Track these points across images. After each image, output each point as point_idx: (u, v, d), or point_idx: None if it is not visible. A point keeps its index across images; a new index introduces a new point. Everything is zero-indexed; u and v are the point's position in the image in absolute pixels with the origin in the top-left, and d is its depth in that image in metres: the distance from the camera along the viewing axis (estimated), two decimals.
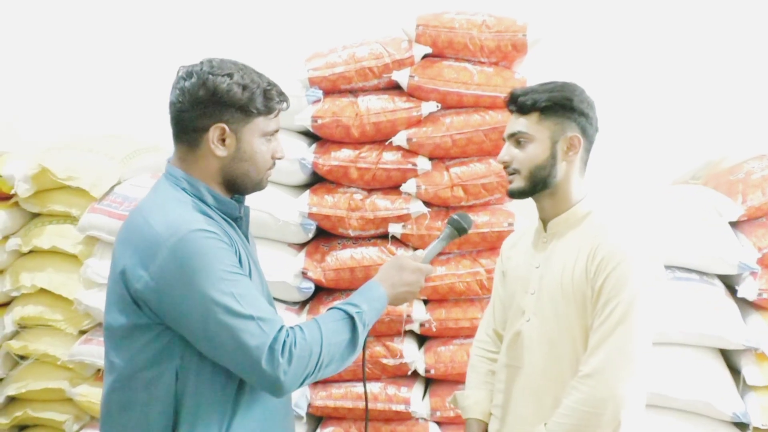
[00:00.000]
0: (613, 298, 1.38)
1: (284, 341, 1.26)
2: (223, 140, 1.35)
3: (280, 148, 1.44)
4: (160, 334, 1.29)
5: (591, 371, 1.37)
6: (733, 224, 2.40)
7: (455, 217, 1.61)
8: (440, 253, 1.60)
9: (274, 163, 1.44)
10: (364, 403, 2.25)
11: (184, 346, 1.29)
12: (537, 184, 1.49)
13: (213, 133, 1.34)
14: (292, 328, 1.30)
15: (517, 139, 1.50)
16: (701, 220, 2.35)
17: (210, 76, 1.32)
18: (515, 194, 1.52)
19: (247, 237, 1.47)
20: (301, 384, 1.29)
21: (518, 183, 1.50)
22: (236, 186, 1.40)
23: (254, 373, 1.25)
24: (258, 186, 1.43)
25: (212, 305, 1.23)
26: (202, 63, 1.36)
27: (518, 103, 1.49)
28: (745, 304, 2.33)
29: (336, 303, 1.41)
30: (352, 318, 1.36)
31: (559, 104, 1.47)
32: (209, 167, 1.37)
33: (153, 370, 1.30)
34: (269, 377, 1.24)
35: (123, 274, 1.29)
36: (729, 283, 2.37)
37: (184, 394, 1.30)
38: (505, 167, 1.53)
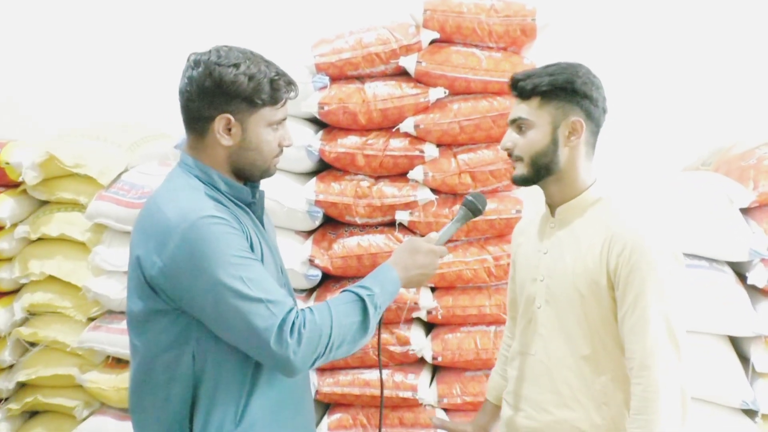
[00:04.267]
0: (643, 291, 1.35)
1: (293, 322, 1.28)
2: (229, 130, 1.37)
3: (288, 136, 1.45)
4: (177, 318, 1.33)
5: (641, 365, 1.35)
6: (744, 211, 2.37)
7: (470, 198, 1.58)
8: (449, 240, 1.59)
9: (281, 151, 1.45)
10: (372, 389, 2.30)
11: (200, 330, 1.32)
12: (539, 171, 1.46)
13: (218, 123, 1.36)
14: (302, 309, 1.32)
15: (518, 125, 1.47)
16: (711, 206, 2.33)
17: (216, 66, 1.34)
18: (519, 181, 1.49)
19: (262, 221, 1.49)
20: (313, 364, 1.31)
21: (521, 170, 1.47)
22: (244, 174, 1.42)
23: (265, 353, 1.28)
24: (266, 173, 1.45)
25: (222, 289, 1.26)
26: (210, 52, 1.37)
27: (518, 88, 1.46)
28: (755, 291, 2.32)
29: (349, 285, 1.43)
30: (363, 300, 1.37)
31: (560, 88, 1.43)
32: (217, 155, 1.39)
33: (171, 352, 1.34)
34: (279, 357, 1.27)
35: (138, 261, 1.33)
36: (739, 270, 2.35)
37: (202, 375, 1.34)
38: (509, 154, 1.50)
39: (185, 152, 1.43)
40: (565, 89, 1.43)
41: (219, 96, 1.35)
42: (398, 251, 1.50)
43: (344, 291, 1.40)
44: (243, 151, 1.39)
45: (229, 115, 1.36)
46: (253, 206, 1.46)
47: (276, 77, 1.38)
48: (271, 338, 1.26)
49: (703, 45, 2.99)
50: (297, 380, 1.44)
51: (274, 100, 1.38)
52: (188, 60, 1.39)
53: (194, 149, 1.41)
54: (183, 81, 1.38)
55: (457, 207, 2.30)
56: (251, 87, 1.35)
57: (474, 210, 1.59)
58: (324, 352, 1.32)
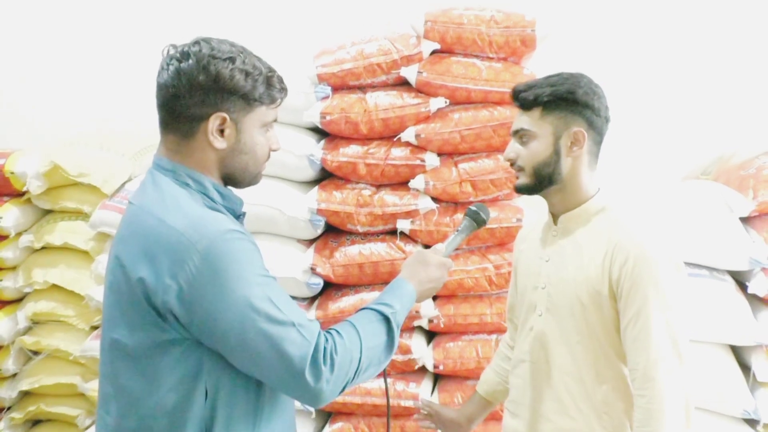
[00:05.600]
0: (646, 303, 1.35)
1: (325, 348, 1.17)
2: (222, 131, 1.24)
3: (276, 140, 1.33)
4: (189, 350, 1.17)
5: (645, 377, 1.35)
6: (744, 220, 2.38)
7: (473, 208, 1.58)
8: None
9: (269, 156, 1.33)
10: (373, 398, 2.30)
11: (212, 360, 1.18)
12: (542, 181, 1.46)
13: (212, 123, 1.22)
14: (329, 332, 1.22)
15: (520, 135, 1.48)
16: (712, 215, 2.33)
17: (211, 60, 1.20)
18: (521, 191, 1.50)
19: None
20: (341, 392, 1.21)
21: (523, 180, 1.48)
22: (233, 180, 1.29)
23: (296, 385, 1.16)
24: (254, 180, 1.32)
25: (251, 313, 1.13)
26: (198, 44, 1.23)
27: (520, 99, 1.47)
28: (755, 300, 2.32)
29: (368, 304, 1.34)
30: (388, 319, 1.29)
31: (561, 98, 1.43)
32: (206, 160, 1.25)
33: (180, 390, 1.18)
34: (312, 389, 1.15)
35: (143, 284, 1.15)
36: (739, 279, 2.36)
37: (214, 413, 1.19)
38: (511, 164, 1.50)
39: (163, 156, 1.26)
40: (566, 99, 1.43)
41: (214, 93, 1.20)
42: (410, 264, 1.44)
43: (366, 309, 1.31)
44: (236, 154, 1.25)
45: (224, 114, 1.22)
46: (242, 218, 1.33)
47: (270, 74, 1.26)
48: (306, 367, 1.13)
49: (703, 55, 3.00)
50: (293, 403, 1.35)
51: (270, 98, 1.27)
52: (167, 51, 1.24)
53: (177, 153, 1.24)
54: (167, 74, 1.21)
55: (458, 216, 2.31)
56: (249, 84, 1.22)
57: (478, 221, 1.59)
58: (353, 378, 1.22)
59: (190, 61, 1.20)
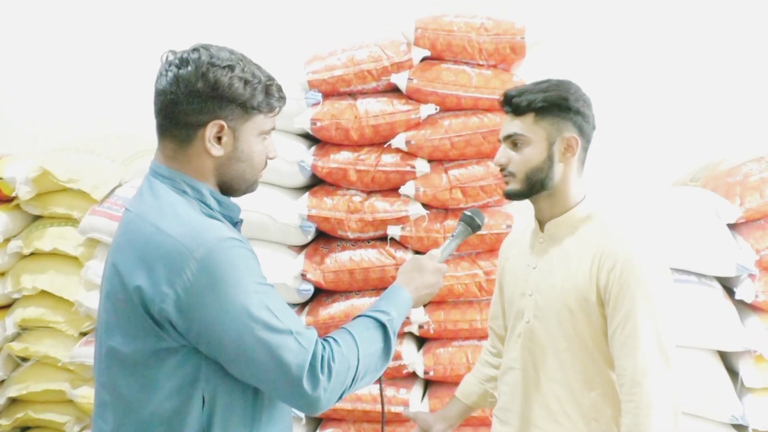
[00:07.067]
0: (634, 308, 1.36)
1: (322, 356, 1.17)
2: (219, 138, 1.24)
3: (273, 148, 1.33)
4: (186, 358, 1.17)
5: (633, 382, 1.36)
6: (731, 226, 2.40)
7: (468, 213, 1.57)
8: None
9: (266, 164, 1.33)
10: (363, 404, 2.31)
11: (209, 367, 1.18)
12: (534, 186, 1.47)
13: (210, 131, 1.22)
14: (326, 340, 1.22)
15: (513, 141, 1.47)
16: (699, 222, 2.35)
17: (210, 67, 1.20)
18: (511, 196, 1.50)
19: None
20: (338, 399, 1.21)
21: (514, 185, 1.48)
22: (230, 188, 1.29)
23: (293, 393, 1.16)
24: (251, 188, 1.32)
25: (249, 321, 1.13)
26: (198, 51, 1.22)
27: (513, 104, 1.47)
28: (743, 306, 2.33)
29: (365, 311, 1.34)
30: (384, 326, 1.29)
31: (554, 104, 1.44)
32: (203, 167, 1.25)
33: (177, 398, 1.18)
34: (309, 397, 1.16)
35: (140, 293, 1.15)
36: (727, 285, 2.37)
37: (211, 420, 1.19)
38: (501, 169, 1.50)
39: (160, 163, 1.26)
40: (559, 105, 1.44)
41: (212, 100, 1.21)
42: (406, 271, 1.44)
43: (363, 316, 1.31)
44: (233, 162, 1.26)
45: (222, 122, 1.22)
46: (239, 225, 1.33)
47: (269, 83, 1.26)
48: (303, 375, 1.14)
49: (692, 62, 3.03)
50: (289, 410, 1.34)
51: (269, 107, 1.27)
52: (166, 57, 1.24)
53: (174, 160, 1.25)
54: (164, 80, 1.22)
55: (448, 222, 2.32)
56: (247, 92, 1.22)
57: (473, 226, 1.58)
58: (350, 385, 1.22)
59: (189, 68, 1.20)
